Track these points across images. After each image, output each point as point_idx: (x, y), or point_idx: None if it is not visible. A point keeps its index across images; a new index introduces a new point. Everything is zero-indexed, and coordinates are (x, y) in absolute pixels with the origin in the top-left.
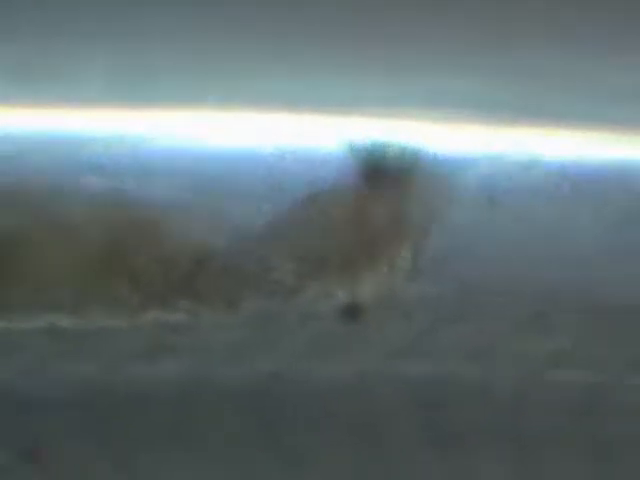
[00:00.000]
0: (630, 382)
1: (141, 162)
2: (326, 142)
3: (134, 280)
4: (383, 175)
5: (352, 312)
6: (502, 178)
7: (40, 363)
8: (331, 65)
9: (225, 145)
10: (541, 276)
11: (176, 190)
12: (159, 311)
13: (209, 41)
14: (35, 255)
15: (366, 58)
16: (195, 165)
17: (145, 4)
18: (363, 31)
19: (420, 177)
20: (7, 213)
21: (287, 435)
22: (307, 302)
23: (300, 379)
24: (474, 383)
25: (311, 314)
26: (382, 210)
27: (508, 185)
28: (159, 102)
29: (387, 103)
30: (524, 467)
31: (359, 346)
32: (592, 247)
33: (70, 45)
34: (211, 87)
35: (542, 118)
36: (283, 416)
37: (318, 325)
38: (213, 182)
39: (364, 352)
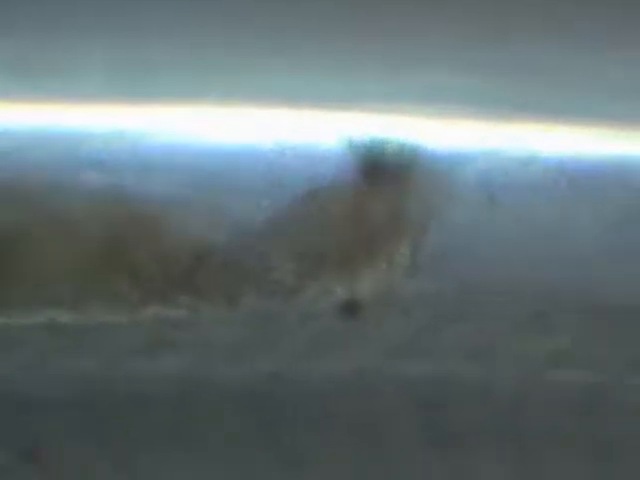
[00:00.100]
0: (630, 382)
1: (141, 158)
2: (325, 138)
3: (134, 276)
4: (382, 171)
5: (351, 309)
6: (500, 174)
7: (40, 359)
8: (330, 61)
9: (225, 141)
10: (541, 276)
11: (176, 186)
12: (159, 307)
13: (208, 36)
14: (35, 251)
15: (365, 54)
16: (195, 161)
17: None
18: (362, 27)
19: (419, 173)
20: (7, 209)
21: (287, 435)
22: (307, 302)
23: (300, 379)
24: (474, 383)
25: (311, 313)
26: (381, 206)
27: (506, 181)
28: (159, 97)
29: (386, 99)
30: (524, 467)
31: (358, 343)
32: (592, 247)
33: (69, 40)
34: (210, 82)
35: (540, 114)
36: (283, 416)
37: (318, 324)
38: (213, 178)
39: (363, 350)
